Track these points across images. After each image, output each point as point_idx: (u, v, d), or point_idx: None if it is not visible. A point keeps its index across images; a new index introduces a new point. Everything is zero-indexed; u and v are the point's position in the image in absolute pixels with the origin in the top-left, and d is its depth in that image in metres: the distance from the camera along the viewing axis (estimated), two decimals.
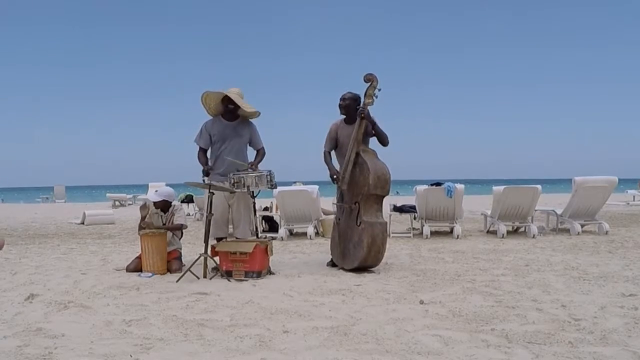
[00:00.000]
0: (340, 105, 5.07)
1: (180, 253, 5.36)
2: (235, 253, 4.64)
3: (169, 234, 5.24)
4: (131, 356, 2.63)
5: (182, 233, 5.49)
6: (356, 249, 4.84)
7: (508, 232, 7.69)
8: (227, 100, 5.04)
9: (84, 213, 11.59)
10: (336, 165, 5.22)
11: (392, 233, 7.80)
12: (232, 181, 4.80)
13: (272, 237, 7.25)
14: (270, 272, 4.88)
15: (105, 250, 6.94)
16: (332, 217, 6.59)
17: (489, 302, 3.64)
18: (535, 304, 3.56)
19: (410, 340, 2.81)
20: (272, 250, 4.96)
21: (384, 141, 5.07)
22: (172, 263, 5.10)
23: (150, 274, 4.87)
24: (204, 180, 5.09)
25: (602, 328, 2.98)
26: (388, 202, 7.06)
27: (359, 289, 4.16)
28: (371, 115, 4.95)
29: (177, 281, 4.52)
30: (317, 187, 8.19)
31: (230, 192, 4.98)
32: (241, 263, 4.64)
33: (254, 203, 5.25)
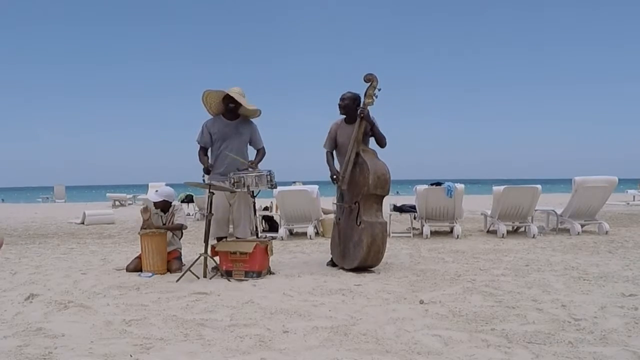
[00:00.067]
0: (339, 105, 5.07)
1: (180, 253, 5.36)
2: (235, 253, 4.64)
3: (169, 234, 5.24)
4: (131, 356, 2.63)
5: (182, 233, 5.49)
6: (356, 249, 4.84)
7: (508, 232, 7.69)
8: (228, 99, 5.04)
9: (84, 213, 11.59)
10: (337, 165, 5.22)
11: (392, 233, 7.80)
12: (232, 181, 4.80)
13: (272, 237, 7.26)
14: (270, 272, 4.88)
15: (105, 250, 6.94)
16: (332, 216, 6.59)
17: (489, 302, 3.64)
18: (535, 304, 3.56)
19: (410, 340, 2.81)
20: (272, 250, 4.96)
21: (381, 143, 5.07)
22: (172, 263, 5.10)
23: (150, 274, 4.87)
24: (204, 180, 5.09)
25: (602, 328, 2.98)
26: (388, 202, 7.06)
27: (359, 289, 4.16)
28: (371, 115, 4.95)
29: (177, 281, 4.52)
30: (317, 187, 8.19)
31: (231, 192, 4.98)
32: (241, 263, 4.64)
33: (254, 203, 5.25)
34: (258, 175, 4.87)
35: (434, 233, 7.96)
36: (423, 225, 7.83)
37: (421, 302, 3.66)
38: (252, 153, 5.33)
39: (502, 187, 7.64)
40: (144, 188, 18.63)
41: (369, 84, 4.89)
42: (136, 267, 5.07)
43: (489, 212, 8.10)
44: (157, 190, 5.51)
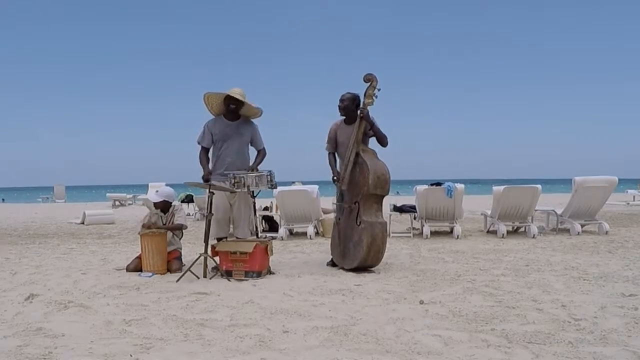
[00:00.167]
0: (339, 106, 5.07)
1: (181, 253, 5.36)
2: (235, 253, 4.64)
3: (169, 234, 5.24)
4: (131, 356, 2.63)
5: (182, 233, 5.49)
6: (356, 249, 4.84)
7: (508, 232, 7.69)
8: (229, 100, 5.04)
9: (84, 213, 11.59)
10: (338, 165, 5.21)
11: (392, 233, 7.80)
12: (232, 181, 4.80)
13: (272, 237, 7.26)
14: (270, 272, 4.88)
15: (105, 250, 6.94)
16: (332, 216, 6.59)
17: (489, 302, 3.64)
18: (535, 304, 3.56)
19: (410, 340, 2.81)
20: (272, 250, 4.96)
21: (382, 142, 5.07)
22: (172, 263, 5.10)
23: (150, 274, 4.87)
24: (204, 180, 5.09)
25: (602, 328, 2.98)
26: (388, 202, 7.06)
27: (359, 289, 4.16)
28: (371, 115, 4.95)
29: (177, 281, 4.52)
30: (317, 187, 8.19)
31: (231, 192, 4.99)
32: (241, 263, 4.64)
33: (254, 203, 5.25)
34: (258, 176, 4.88)
35: (434, 233, 7.96)
36: (423, 225, 7.82)
37: (421, 302, 3.66)
38: (252, 154, 5.34)
39: (502, 187, 7.64)
40: (144, 188, 18.62)
41: (369, 84, 4.89)
42: (136, 267, 5.07)
43: (489, 212, 8.10)
44: (157, 191, 5.51)
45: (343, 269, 5.00)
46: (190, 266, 4.68)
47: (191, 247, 6.67)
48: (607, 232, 7.64)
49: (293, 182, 10.03)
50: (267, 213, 8.69)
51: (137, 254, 5.20)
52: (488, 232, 8.14)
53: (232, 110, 5.09)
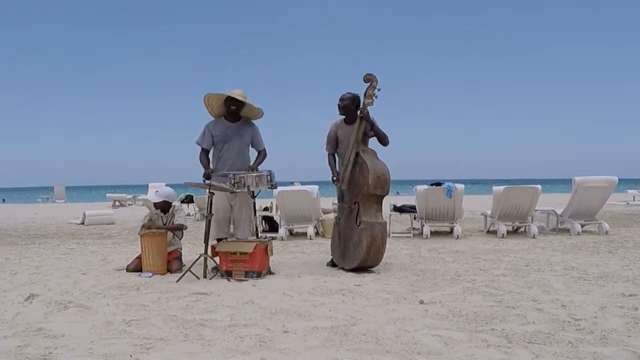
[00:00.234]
0: (339, 105, 5.07)
1: (181, 253, 5.36)
2: (235, 253, 4.64)
3: (169, 234, 5.24)
4: (131, 356, 2.63)
5: (182, 233, 5.49)
6: (356, 249, 4.84)
7: (508, 232, 7.69)
8: (229, 101, 5.04)
9: (84, 213, 11.59)
10: (337, 166, 5.21)
11: (392, 233, 7.80)
12: (233, 181, 4.80)
13: (272, 237, 7.26)
14: (270, 272, 4.88)
15: (105, 250, 6.94)
16: (332, 216, 6.59)
17: (489, 302, 3.64)
18: (535, 304, 3.56)
19: (410, 340, 2.81)
20: (272, 250, 4.96)
21: (383, 141, 5.06)
22: (172, 263, 5.11)
23: (150, 274, 4.87)
24: (204, 181, 5.09)
25: (602, 328, 2.98)
26: (388, 202, 7.06)
27: (359, 289, 4.16)
28: (371, 115, 4.95)
29: (177, 281, 4.52)
30: (317, 187, 8.19)
31: (231, 192, 4.99)
32: (241, 263, 4.64)
33: (254, 203, 5.25)
34: (258, 176, 4.88)
35: (434, 233, 7.96)
36: (423, 226, 7.82)
37: (421, 302, 3.66)
38: (253, 155, 5.34)
39: (502, 187, 7.64)
40: (144, 188, 18.63)
41: (369, 84, 4.89)
42: (136, 267, 5.07)
43: (489, 212, 8.10)
44: (157, 191, 5.51)
45: (343, 269, 5.00)
46: (190, 266, 4.68)
47: (191, 247, 6.67)
48: (607, 232, 7.64)
49: (292, 183, 10.05)
50: (267, 213, 8.69)
51: (137, 254, 5.20)
52: (488, 232, 8.14)
53: (233, 111, 5.09)
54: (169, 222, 5.29)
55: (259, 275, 4.64)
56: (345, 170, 4.99)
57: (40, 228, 10.79)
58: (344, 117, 5.13)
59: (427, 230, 7.63)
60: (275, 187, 5.45)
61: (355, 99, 5.01)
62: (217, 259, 4.79)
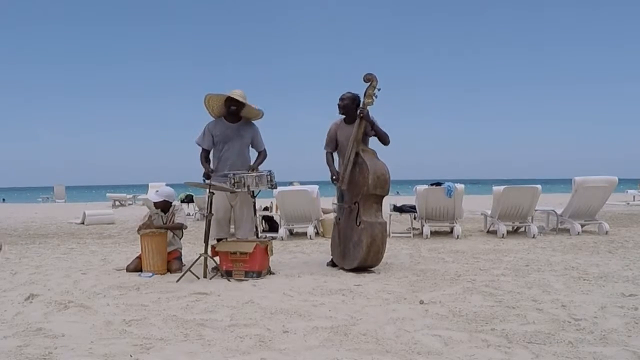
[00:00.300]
0: (339, 105, 5.07)
1: (181, 253, 5.36)
2: (235, 253, 4.64)
3: (169, 234, 5.24)
4: (131, 356, 2.63)
5: (182, 233, 5.49)
6: (356, 249, 4.84)
7: (508, 232, 7.69)
8: (230, 101, 5.04)
9: (84, 213, 11.60)
10: (337, 165, 5.21)
11: (392, 233, 7.80)
12: (233, 181, 4.80)
13: (272, 237, 7.26)
14: (270, 272, 4.88)
15: (105, 250, 6.94)
16: (332, 216, 6.59)
17: (489, 302, 3.64)
18: (535, 304, 3.56)
19: (410, 340, 2.81)
20: (272, 250, 4.96)
21: (384, 141, 5.06)
22: (172, 263, 5.11)
23: (150, 274, 4.87)
24: (204, 181, 5.09)
25: (602, 328, 2.98)
26: (388, 202, 7.06)
27: (359, 289, 4.16)
28: (371, 115, 4.95)
29: (177, 281, 4.52)
30: (317, 187, 8.19)
31: (231, 192, 4.99)
32: (241, 263, 4.64)
33: (254, 203, 5.25)
34: (258, 176, 4.88)
35: (434, 233, 7.96)
36: (423, 225, 7.82)
37: (421, 302, 3.66)
38: (253, 155, 5.34)
39: (502, 187, 7.64)
40: (144, 188, 18.62)
41: (369, 83, 4.89)
42: (136, 267, 5.07)
43: (489, 212, 8.10)
44: (157, 191, 5.51)
45: (343, 269, 5.00)
46: (191, 266, 4.68)
47: (191, 247, 6.67)
48: (607, 232, 7.64)
49: (291, 183, 10.03)
50: (267, 213, 8.69)
51: (137, 254, 5.20)
52: (488, 232, 8.14)
53: (233, 112, 5.09)
54: (169, 222, 5.29)
55: (259, 275, 4.64)
56: (345, 170, 4.99)
57: (40, 228, 10.80)
58: (344, 117, 5.13)
59: (427, 230, 7.63)
60: (275, 187, 5.45)
61: (355, 99, 5.01)
62: (217, 258, 4.79)
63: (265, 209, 8.89)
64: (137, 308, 3.62)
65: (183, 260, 5.30)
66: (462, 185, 7.64)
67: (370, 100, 4.89)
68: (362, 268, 4.87)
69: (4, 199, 36.90)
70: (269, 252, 4.86)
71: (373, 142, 5.13)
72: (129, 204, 21.13)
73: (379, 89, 4.88)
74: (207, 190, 4.86)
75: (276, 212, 8.46)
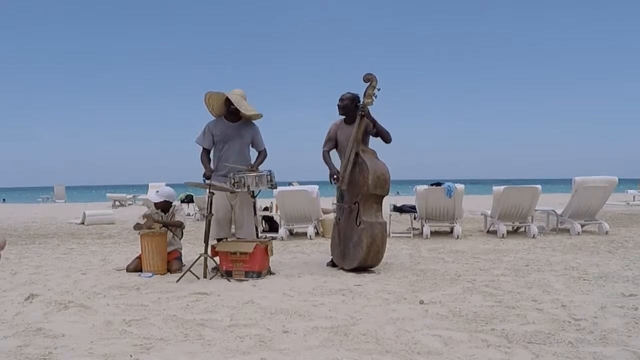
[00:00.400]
0: (338, 105, 5.08)
1: (181, 253, 5.37)
2: (235, 253, 4.64)
3: (169, 234, 5.24)
4: (131, 356, 2.63)
5: (182, 233, 5.49)
6: (356, 249, 4.84)
7: (508, 232, 7.69)
8: (229, 101, 5.05)
9: (84, 213, 11.59)
10: (337, 164, 5.21)
11: (392, 233, 7.80)
12: (233, 181, 4.80)
13: (272, 237, 7.26)
14: (270, 272, 4.88)
15: (105, 250, 6.94)
16: (332, 216, 6.58)
17: (489, 302, 3.64)
18: (535, 304, 3.56)
19: (410, 340, 2.81)
20: (272, 250, 4.96)
21: (386, 138, 5.06)
22: (172, 263, 5.11)
23: (150, 274, 4.87)
24: (204, 181, 5.09)
25: (602, 328, 2.98)
26: (388, 202, 7.06)
27: (359, 289, 4.16)
28: (371, 114, 4.94)
29: (177, 281, 4.53)
30: (317, 187, 8.19)
31: (231, 192, 4.99)
32: (241, 263, 4.64)
33: (254, 203, 5.25)
34: (258, 176, 4.88)
35: (434, 233, 7.96)
36: (423, 226, 7.82)
37: (421, 302, 3.66)
38: (254, 155, 5.33)
39: (502, 187, 7.64)
40: (144, 188, 18.62)
41: (369, 83, 4.89)
42: (136, 267, 5.07)
43: (489, 212, 8.10)
44: (157, 191, 5.52)
45: (343, 269, 5.00)
46: (190, 266, 4.68)
47: (191, 247, 6.67)
48: (607, 232, 7.64)
49: (290, 183, 10.03)
50: (267, 213, 8.69)
51: (137, 254, 5.20)
52: (488, 232, 8.14)
53: (233, 111, 5.09)
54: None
55: (259, 275, 4.64)
56: (345, 170, 4.99)
57: (40, 228, 10.80)
58: (343, 117, 5.13)
59: (427, 230, 7.63)
60: (276, 187, 5.45)
61: (354, 99, 5.01)
62: (217, 258, 4.79)
63: (265, 209, 8.89)
64: (137, 308, 3.62)
65: (183, 260, 5.30)
66: (462, 185, 7.64)
67: (370, 100, 4.89)
68: (362, 268, 4.87)
69: (4, 199, 36.91)
70: (269, 252, 4.86)
71: (373, 141, 5.13)
72: (129, 204, 21.13)
73: (378, 89, 4.88)
74: (207, 190, 4.86)
75: (276, 212, 8.46)
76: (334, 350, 2.68)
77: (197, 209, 12.01)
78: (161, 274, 4.92)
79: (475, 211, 11.42)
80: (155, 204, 5.32)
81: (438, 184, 7.67)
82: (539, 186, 7.64)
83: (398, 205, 8.45)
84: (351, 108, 5.02)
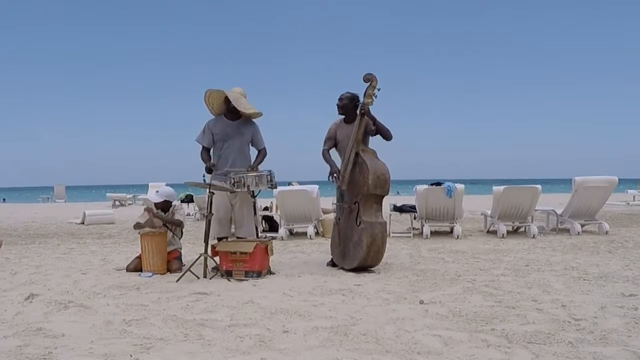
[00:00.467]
0: (338, 105, 5.08)
1: (181, 253, 5.37)
2: (235, 253, 4.64)
3: (169, 234, 5.24)
4: (131, 356, 2.63)
5: (182, 233, 5.49)
6: (356, 249, 4.84)
7: (508, 232, 7.69)
8: (229, 100, 5.05)
9: (84, 213, 11.60)
10: (337, 164, 5.20)
11: (392, 233, 7.80)
12: (233, 181, 4.81)
13: (272, 237, 7.26)
14: (270, 272, 4.88)
15: (105, 250, 6.94)
16: (332, 216, 6.59)
17: (489, 302, 3.64)
18: (535, 304, 3.56)
19: (410, 340, 2.81)
20: (272, 250, 4.96)
21: (387, 136, 5.06)
22: (172, 263, 5.11)
23: (150, 274, 4.87)
24: (204, 180, 5.09)
25: (602, 328, 2.98)
26: (388, 202, 7.06)
27: (359, 289, 4.16)
28: (371, 113, 4.94)
29: (177, 281, 4.53)
30: (317, 187, 8.19)
31: (231, 192, 4.99)
32: (241, 263, 4.64)
33: (254, 203, 5.25)
34: (258, 175, 4.88)
35: (434, 233, 7.96)
36: (423, 225, 7.82)
37: (421, 302, 3.66)
38: (253, 154, 5.34)
39: (502, 187, 7.65)
40: (144, 188, 18.63)
41: (369, 83, 4.89)
42: (136, 267, 5.07)
43: (489, 212, 8.10)
44: (157, 191, 5.52)
45: (343, 269, 5.00)
46: (190, 266, 4.68)
47: (191, 247, 6.67)
48: (607, 232, 7.64)
49: (290, 183, 10.03)
50: (267, 213, 8.69)
51: (137, 254, 5.20)
52: (488, 232, 8.14)
53: (233, 109, 5.09)
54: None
55: (259, 275, 4.64)
56: (345, 170, 4.99)
57: (40, 228, 10.80)
58: (343, 117, 5.13)
59: (427, 230, 7.63)
60: (275, 187, 5.45)
61: (353, 99, 5.01)
62: (217, 258, 4.79)
63: (265, 208, 8.89)
64: (137, 308, 3.62)
65: (183, 260, 5.30)
66: (462, 185, 7.64)
67: (369, 100, 4.89)
68: (362, 268, 4.87)
69: (4, 199, 36.91)
70: (269, 252, 4.86)
71: (373, 141, 5.13)
72: (129, 204, 21.13)
73: (378, 89, 4.88)
74: (207, 190, 4.86)
75: (276, 212, 8.46)
76: (334, 350, 2.68)
77: (197, 208, 12.02)
78: (161, 274, 4.92)
79: (475, 211, 11.42)
80: (155, 203, 5.32)
81: (438, 183, 7.68)
82: (539, 186, 7.64)
83: (398, 205, 8.45)
84: (350, 107, 5.02)
